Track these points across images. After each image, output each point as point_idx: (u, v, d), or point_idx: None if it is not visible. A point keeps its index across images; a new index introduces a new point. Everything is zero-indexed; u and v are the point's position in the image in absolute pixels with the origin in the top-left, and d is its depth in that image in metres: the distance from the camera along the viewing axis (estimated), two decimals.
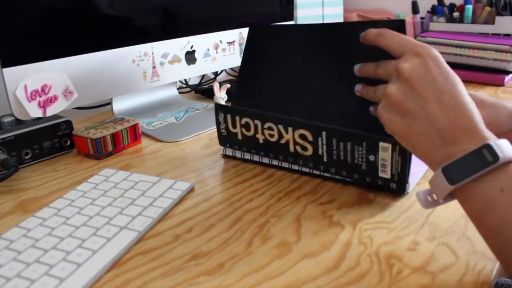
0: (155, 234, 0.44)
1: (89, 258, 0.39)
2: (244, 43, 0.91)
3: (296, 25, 0.57)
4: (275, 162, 0.57)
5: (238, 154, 0.60)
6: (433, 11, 1.16)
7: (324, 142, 0.51)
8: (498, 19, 1.03)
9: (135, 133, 0.68)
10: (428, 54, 0.39)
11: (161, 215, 0.46)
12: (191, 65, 0.82)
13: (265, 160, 0.58)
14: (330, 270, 0.38)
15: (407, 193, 0.49)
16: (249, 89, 0.59)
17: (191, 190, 0.52)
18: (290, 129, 0.53)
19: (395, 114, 0.39)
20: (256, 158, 0.58)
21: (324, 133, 0.50)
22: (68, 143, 0.65)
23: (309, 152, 0.53)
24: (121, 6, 0.70)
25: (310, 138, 0.52)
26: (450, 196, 0.36)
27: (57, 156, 0.64)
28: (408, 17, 1.24)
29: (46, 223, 0.44)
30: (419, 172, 0.53)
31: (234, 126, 0.58)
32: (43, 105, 0.60)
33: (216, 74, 1.09)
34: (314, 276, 0.37)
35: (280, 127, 0.53)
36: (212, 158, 0.62)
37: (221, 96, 0.82)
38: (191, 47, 0.81)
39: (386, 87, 0.41)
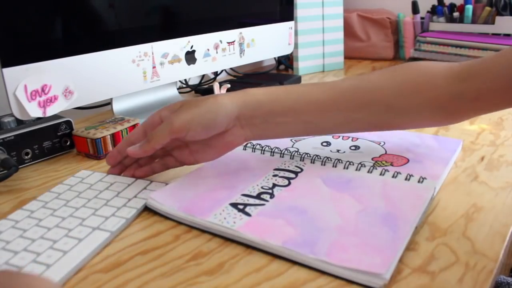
0: (155, 234, 0.44)
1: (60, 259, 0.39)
2: (244, 43, 0.92)
3: None
4: None
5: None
6: (433, 11, 1.16)
7: None
8: (498, 19, 1.03)
9: None
10: None
11: (134, 216, 0.46)
12: (191, 65, 0.82)
13: None
14: None
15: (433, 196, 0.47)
16: None
17: None
18: None
19: None
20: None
21: None
22: (68, 143, 0.65)
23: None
24: (121, 6, 0.70)
25: None
26: None
27: (57, 156, 0.64)
28: (408, 17, 1.24)
29: (18, 225, 0.44)
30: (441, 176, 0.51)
31: None
32: (43, 105, 0.60)
33: (216, 74, 1.09)
34: (314, 276, 0.37)
35: None
36: None
37: None
38: (191, 47, 0.81)
39: None
